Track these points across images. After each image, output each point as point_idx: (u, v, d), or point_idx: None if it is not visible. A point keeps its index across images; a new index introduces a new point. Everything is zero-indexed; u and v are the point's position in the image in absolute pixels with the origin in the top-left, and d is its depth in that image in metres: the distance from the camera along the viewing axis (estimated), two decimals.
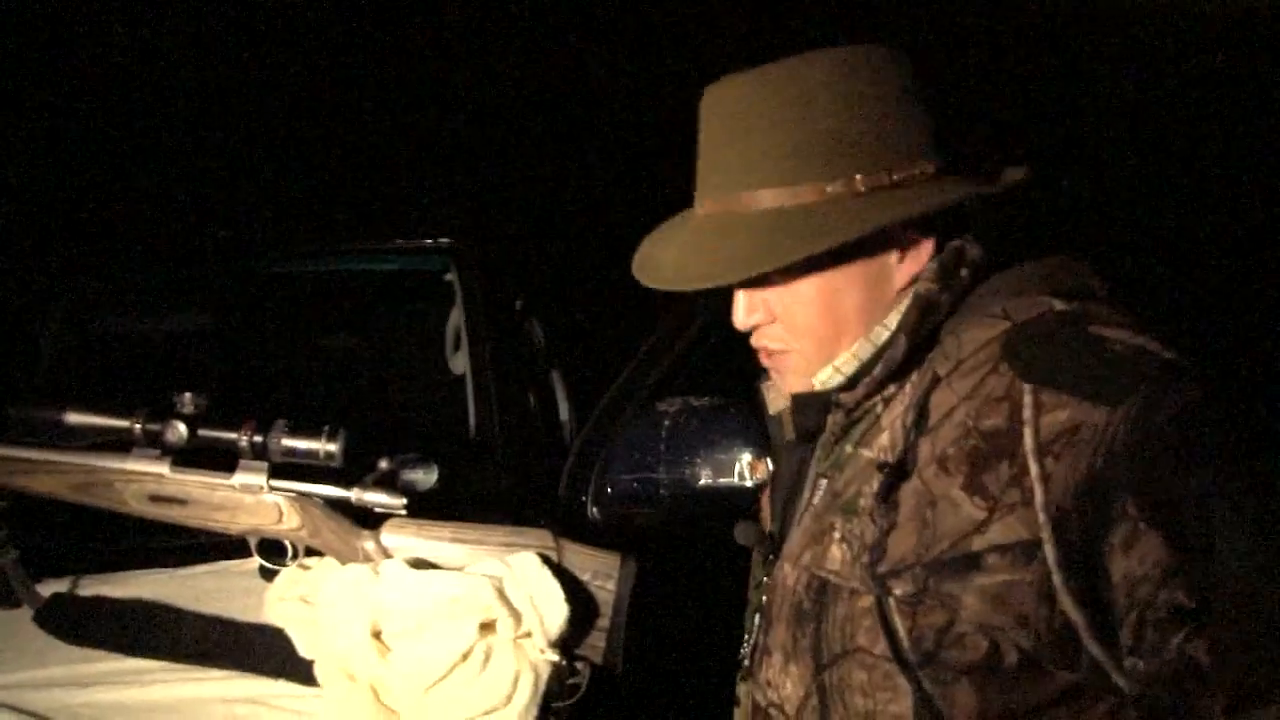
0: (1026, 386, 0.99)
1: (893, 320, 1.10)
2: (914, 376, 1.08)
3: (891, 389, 1.10)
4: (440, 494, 1.73)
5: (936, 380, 1.05)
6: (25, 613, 1.58)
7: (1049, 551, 0.95)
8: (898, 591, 1.04)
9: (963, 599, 0.99)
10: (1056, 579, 0.95)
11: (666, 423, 2.10)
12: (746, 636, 1.28)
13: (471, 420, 2.20)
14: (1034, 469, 0.97)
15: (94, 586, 1.67)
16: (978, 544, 0.99)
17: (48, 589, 1.62)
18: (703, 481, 2.03)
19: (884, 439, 1.10)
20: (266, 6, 3.55)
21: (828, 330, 1.11)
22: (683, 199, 1.18)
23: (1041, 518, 0.96)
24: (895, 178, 1.04)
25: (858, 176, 1.04)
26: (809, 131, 1.04)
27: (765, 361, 1.18)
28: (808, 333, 1.12)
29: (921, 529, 1.03)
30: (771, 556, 1.24)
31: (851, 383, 1.12)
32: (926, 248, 1.08)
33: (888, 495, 1.06)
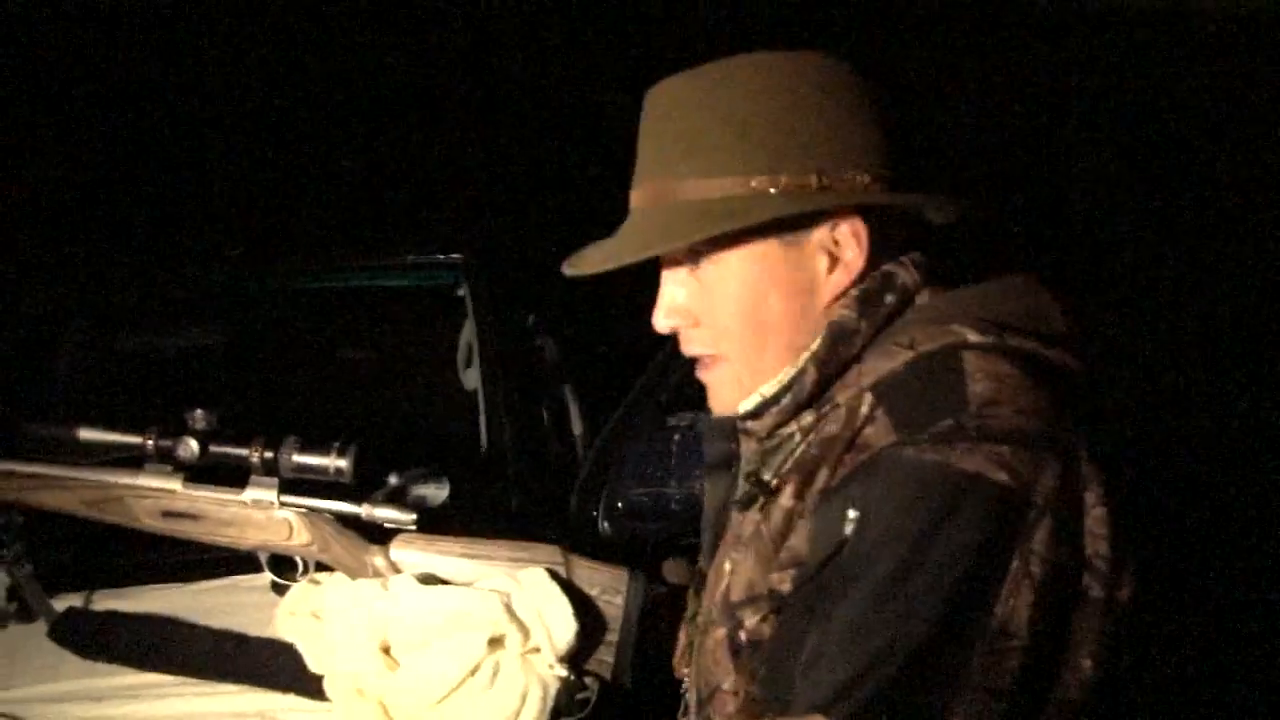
0: (868, 396, 0.98)
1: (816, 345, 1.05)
2: (841, 402, 1.03)
3: (808, 418, 1.05)
4: (451, 509, 1.73)
5: (836, 408, 1.02)
6: (40, 627, 1.60)
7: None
8: (748, 623, 1.02)
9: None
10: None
11: (677, 437, 2.10)
12: (685, 670, 1.26)
13: (483, 435, 2.21)
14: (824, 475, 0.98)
15: (107, 601, 1.68)
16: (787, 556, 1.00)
17: (62, 603, 1.63)
18: None
19: (784, 468, 1.05)
20: (278, 21, 3.58)
21: (753, 336, 1.06)
22: None
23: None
24: (824, 181, 1.01)
25: (783, 176, 1.01)
26: (736, 126, 1.02)
27: (700, 373, 1.13)
28: (732, 336, 1.07)
29: (770, 553, 1.02)
30: (700, 591, 1.22)
31: (758, 411, 1.08)
32: (858, 262, 1.04)
33: (756, 521, 1.05)
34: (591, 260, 1.08)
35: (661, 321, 1.10)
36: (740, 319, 1.05)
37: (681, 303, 1.09)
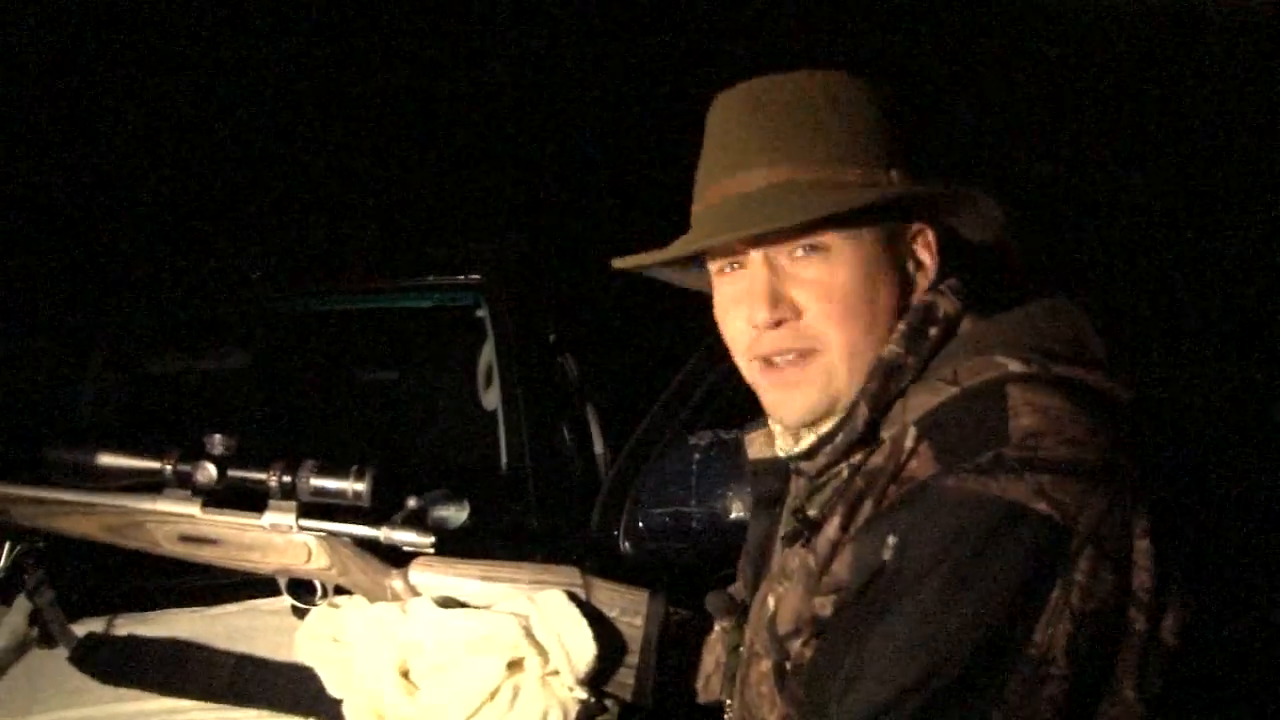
0: (912, 430, 0.98)
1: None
2: (886, 437, 1.04)
3: (857, 454, 1.06)
4: (470, 531, 1.72)
5: (881, 443, 1.03)
6: (61, 652, 1.59)
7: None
8: (795, 652, 1.02)
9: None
10: None
11: (697, 456, 2.09)
12: (727, 702, 1.26)
13: (503, 456, 2.20)
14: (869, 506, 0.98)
15: (128, 626, 1.69)
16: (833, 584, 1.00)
17: (83, 629, 1.63)
18: (734, 515, 2.02)
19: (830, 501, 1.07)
20: (302, 42, 3.61)
21: (863, 322, 1.05)
22: None
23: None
24: (920, 187, 1.06)
25: (894, 172, 1.05)
26: (858, 121, 1.06)
27: (775, 376, 1.09)
28: (844, 322, 1.05)
29: (814, 583, 1.02)
30: (743, 623, 1.23)
31: (812, 451, 1.08)
32: (932, 269, 1.09)
33: (802, 555, 1.06)
34: (733, 224, 1.06)
35: (769, 314, 1.06)
36: (851, 306, 1.05)
37: (787, 293, 1.06)
